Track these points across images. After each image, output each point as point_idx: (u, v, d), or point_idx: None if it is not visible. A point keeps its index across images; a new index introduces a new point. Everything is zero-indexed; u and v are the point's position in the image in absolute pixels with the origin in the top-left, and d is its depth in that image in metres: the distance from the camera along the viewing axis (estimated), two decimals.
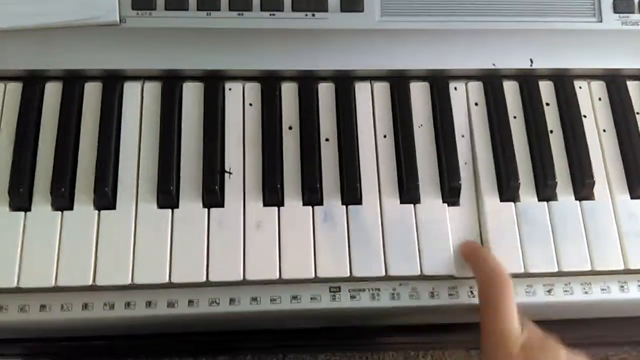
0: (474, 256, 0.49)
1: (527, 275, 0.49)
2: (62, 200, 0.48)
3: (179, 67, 0.52)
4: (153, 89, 0.53)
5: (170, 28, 0.51)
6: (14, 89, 0.52)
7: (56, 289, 0.47)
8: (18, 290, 0.46)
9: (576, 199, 0.51)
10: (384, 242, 0.49)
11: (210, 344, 0.51)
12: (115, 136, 0.51)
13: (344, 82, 0.54)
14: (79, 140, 0.50)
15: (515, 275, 0.49)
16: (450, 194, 0.50)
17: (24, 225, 0.48)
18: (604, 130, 0.54)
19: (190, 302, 0.47)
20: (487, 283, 0.46)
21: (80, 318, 0.47)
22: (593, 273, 0.49)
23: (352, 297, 0.48)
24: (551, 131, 0.53)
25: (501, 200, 0.51)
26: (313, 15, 0.52)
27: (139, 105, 0.52)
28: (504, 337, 0.43)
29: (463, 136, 0.53)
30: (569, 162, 0.52)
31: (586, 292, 0.50)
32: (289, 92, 0.53)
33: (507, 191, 0.51)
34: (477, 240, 0.50)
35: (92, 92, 0.52)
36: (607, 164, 0.53)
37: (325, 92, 0.54)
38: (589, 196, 0.51)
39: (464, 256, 0.49)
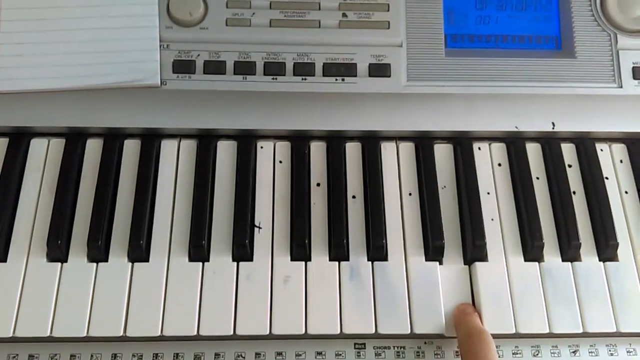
0: (458, 315, 0.49)
1: (552, 335, 0.49)
2: (98, 252, 0.49)
3: (214, 127, 0.54)
4: (189, 147, 0.54)
5: (208, 91, 0.53)
6: (57, 144, 0.54)
7: (87, 339, 0.47)
8: (50, 339, 0.47)
9: (600, 260, 0.51)
10: (409, 300, 0.49)
11: None
12: (152, 191, 0.52)
13: (371, 142, 0.55)
14: (116, 194, 0.52)
15: (540, 336, 0.49)
16: (475, 252, 0.51)
17: (60, 276, 0.49)
18: (626, 192, 0.55)
19: (217, 355, 0.48)
20: (467, 336, 0.46)
21: None
22: (618, 335, 0.49)
23: (377, 354, 0.48)
24: (574, 192, 0.54)
25: (525, 260, 0.51)
26: (343, 80, 0.54)
27: (175, 162, 0.54)
28: None
29: (489, 193, 0.54)
30: (592, 224, 0.53)
31: (612, 354, 0.49)
32: (317, 151, 0.55)
33: (532, 251, 0.51)
34: (505, 298, 0.49)
35: (130, 149, 0.54)
36: (630, 225, 0.53)
37: (353, 151, 0.55)
38: (613, 257, 0.52)
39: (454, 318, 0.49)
